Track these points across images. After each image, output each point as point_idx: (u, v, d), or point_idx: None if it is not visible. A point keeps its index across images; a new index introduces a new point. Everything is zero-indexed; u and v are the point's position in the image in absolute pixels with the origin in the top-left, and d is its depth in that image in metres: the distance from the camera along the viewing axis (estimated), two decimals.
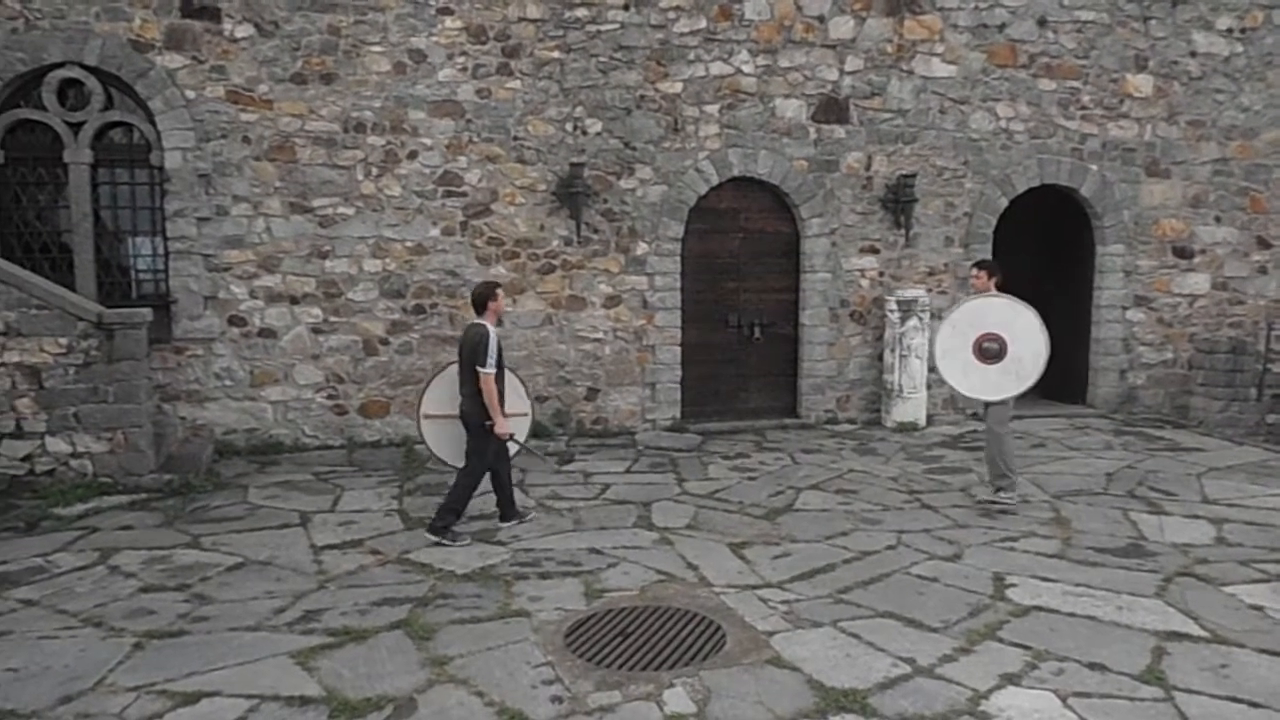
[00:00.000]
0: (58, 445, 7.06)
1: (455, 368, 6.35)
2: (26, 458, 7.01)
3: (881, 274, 10.08)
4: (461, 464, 6.26)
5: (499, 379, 6.10)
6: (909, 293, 9.82)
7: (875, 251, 10.06)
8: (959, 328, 6.79)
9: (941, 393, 10.30)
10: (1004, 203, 10.24)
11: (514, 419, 6.32)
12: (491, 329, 6.04)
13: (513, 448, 6.48)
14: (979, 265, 7.10)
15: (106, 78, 8.15)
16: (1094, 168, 10.34)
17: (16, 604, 4.93)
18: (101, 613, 4.79)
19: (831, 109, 9.76)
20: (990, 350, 6.69)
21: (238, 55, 8.35)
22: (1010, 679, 4.03)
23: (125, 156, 8.42)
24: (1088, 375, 10.83)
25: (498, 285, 6.36)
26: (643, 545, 5.95)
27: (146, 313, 7.34)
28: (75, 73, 8.04)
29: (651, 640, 4.44)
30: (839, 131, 9.79)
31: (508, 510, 6.43)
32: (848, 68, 9.73)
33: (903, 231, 10.02)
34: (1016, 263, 11.04)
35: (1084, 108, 10.26)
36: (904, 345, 9.75)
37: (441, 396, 6.50)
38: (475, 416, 6.07)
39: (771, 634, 4.51)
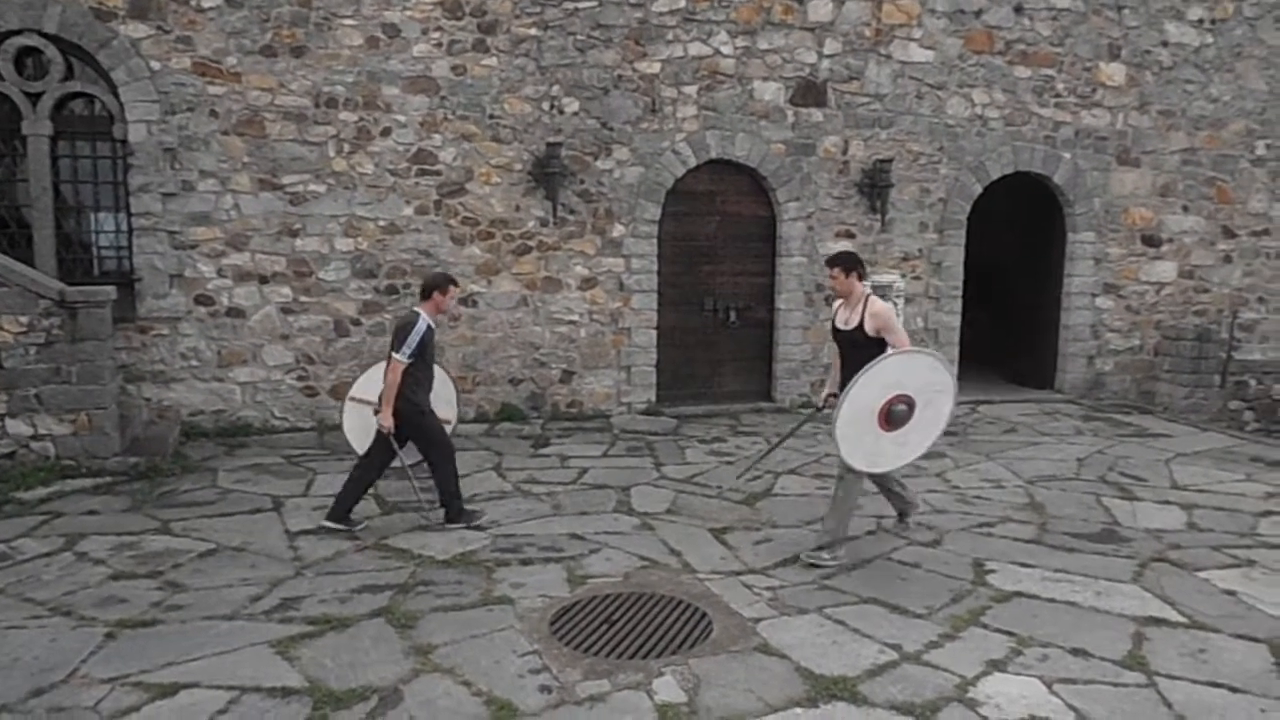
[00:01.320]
0: (18, 427, 6.84)
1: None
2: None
3: None
4: (362, 452, 6.04)
5: (418, 373, 5.78)
6: (884, 277, 9.85)
7: (851, 236, 10.06)
8: (862, 402, 5.08)
9: None
10: (978, 189, 10.29)
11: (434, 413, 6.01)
12: (425, 320, 5.76)
13: (407, 458, 6.02)
14: (833, 262, 5.63)
15: (67, 46, 7.87)
16: (1067, 155, 10.43)
17: None
18: (71, 601, 4.65)
19: (810, 92, 9.71)
20: (899, 415, 5.16)
21: (205, 25, 8.09)
22: (996, 665, 4.05)
23: (87, 129, 8.17)
24: (1057, 361, 10.96)
25: (453, 282, 6.03)
26: (624, 530, 5.91)
27: (110, 291, 7.13)
28: (34, 40, 7.75)
29: (638, 628, 4.41)
30: (817, 115, 9.76)
31: (338, 511, 5.83)
32: (826, 51, 9.68)
33: (878, 216, 10.03)
34: (989, 249, 11.18)
35: (1058, 95, 10.32)
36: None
37: (372, 382, 6.24)
38: (405, 407, 5.74)
39: (758, 621, 4.50)
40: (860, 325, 5.42)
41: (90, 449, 6.99)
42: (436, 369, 6.12)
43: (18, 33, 7.69)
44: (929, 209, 10.23)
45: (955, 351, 10.52)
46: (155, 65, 8.01)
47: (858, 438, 5.16)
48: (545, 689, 3.80)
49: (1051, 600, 4.81)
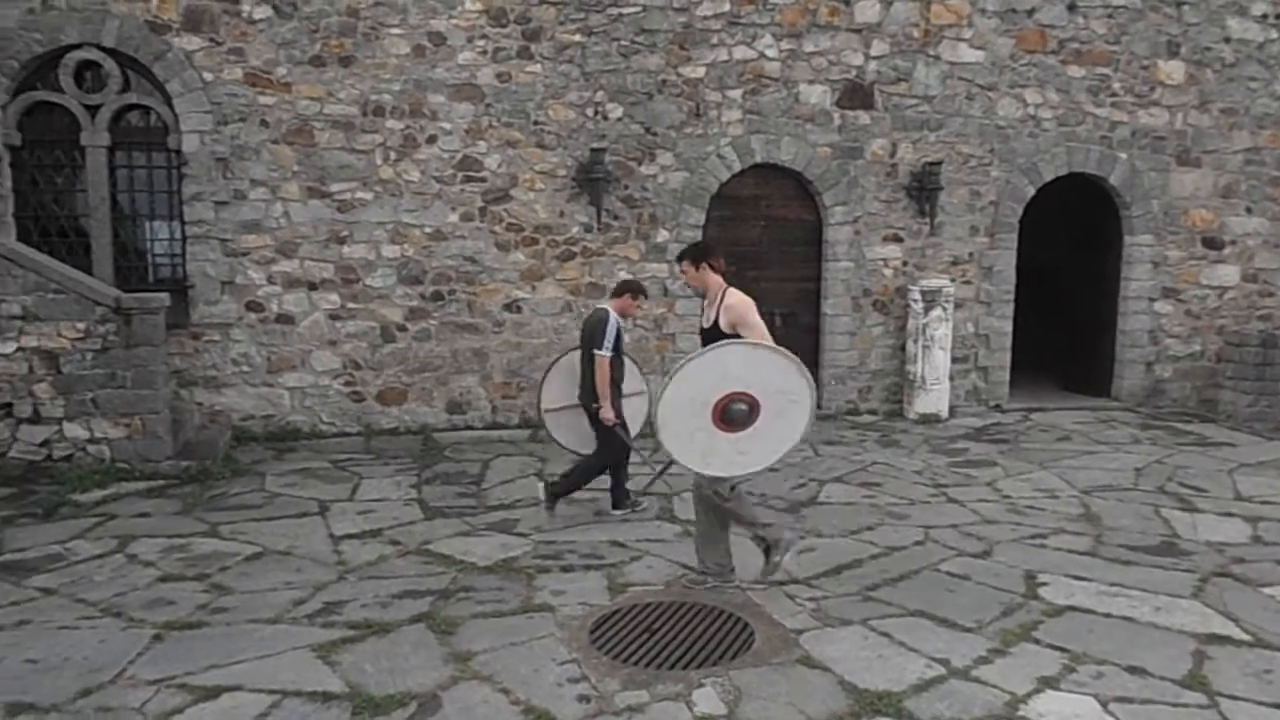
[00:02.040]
0: (75, 431, 7.01)
1: (573, 355, 6.49)
2: (44, 443, 6.97)
3: (905, 263, 9.93)
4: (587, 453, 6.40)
5: (616, 367, 6.16)
6: (933, 282, 9.66)
7: (899, 240, 9.90)
8: (690, 387, 4.58)
9: (964, 384, 10.18)
10: (1031, 191, 10.06)
11: (632, 398, 6.52)
12: (614, 315, 6.13)
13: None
14: (681, 255, 5.32)
15: (124, 59, 8.06)
16: (1123, 156, 10.14)
17: (35, 592, 4.88)
18: (120, 602, 4.73)
19: (856, 94, 9.58)
20: (737, 414, 4.61)
21: (256, 37, 8.25)
22: (1048, 682, 3.92)
23: (143, 139, 8.35)
24: (1113, 367, 10.66)
25: (644, 293, 6.47)
26: (665, 538, 5.86)
27: (164, 297, 7.28)
28: (93, 54, 7.97)
29: (678, 637, 4.35)
30: (864, 118, 9.62)
31: (619, 496, 6.41)
32: (873, 52, 9.55)
33: (927, 220, 9.85)
34: (1042, 253, 10.93)
35: (1114, 95, 10.04)
36: (927, 336, 9.61)
37: (560, 388, 6.55)
38: (595, 403, 6.12)
39: (800, 632, 4.41)
40: (716, 322, 4.90)
41: (144, 452, 7.13)
42: (625, 359, 6.49)
43: (77, 47, 7.90)
44: (979, 212, 10.03)
45: (1007, 358, 10.29)
46: (208, 76, 8.18)
47: (688, 433, 4.59)
48: (584, 698, 3.76)
49: (1107, 615, 4.64)
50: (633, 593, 4.94)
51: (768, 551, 5.02)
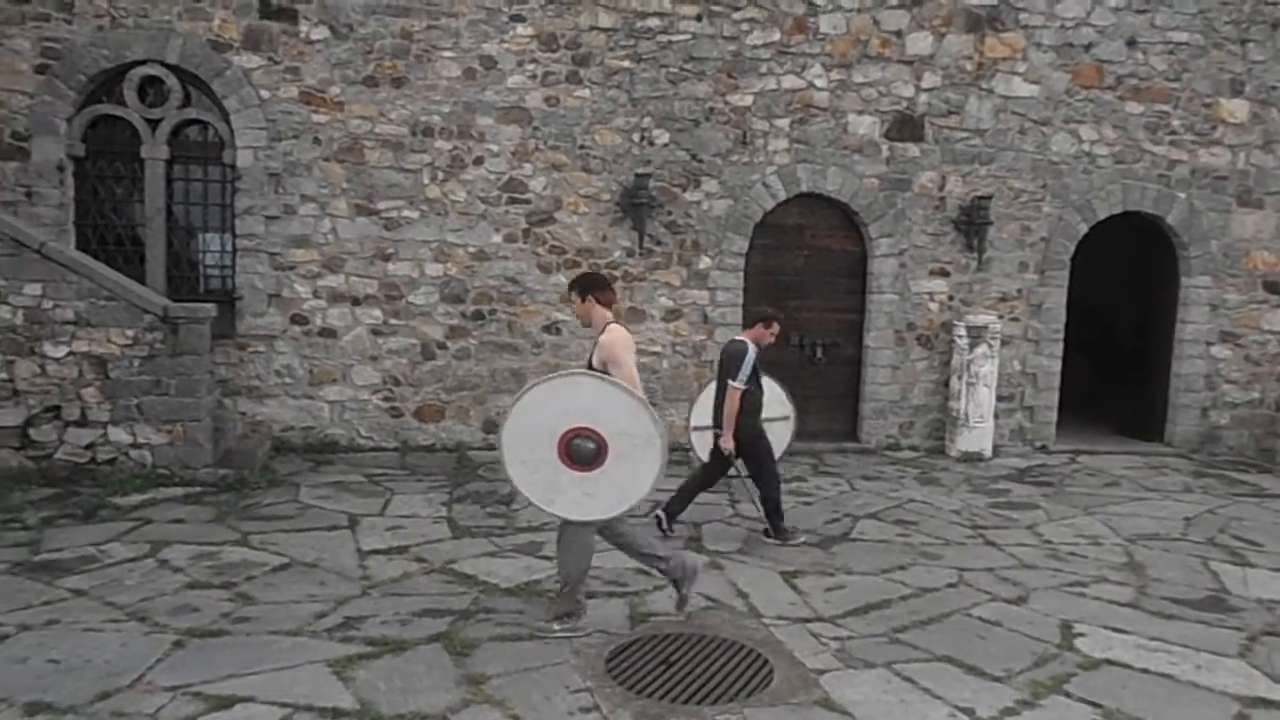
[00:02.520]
0: (119, 435, 7.17)
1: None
2: (89, 446, 7.13)
3: (951, 298, 9.76)
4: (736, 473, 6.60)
5: (752, 397, 6.31)
6: (979, 318, 9.48)
7: (946, 274, 9.74)
8: (535, 415, 4.45)
9: (1009, 424, 9.95)
10: (1084, 229, 9.84)
11: (775, 423, 6.71)
12: (752, 347, 6.31)
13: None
14: (570, 285, 5.12)
15: (185, 76, 8.31)
16: (1182, 195, 9.88)
17: (66, 593, 4.97)
18: (147, 607, 4.79)
19: (906, 126, 9.49)
20: (581, 452, 4.40)
21: (312, 57, 8.44)
22: None
23: (200, 154, 8.58)
24: (1166, 412, 10.32)
25: (777, 319, 6.57)
26: None
27: (210, 308, 7.43)
28: (156, 70, 8.21)
29: (695, 671, 4.27)
30: (913, 150, 9.52)
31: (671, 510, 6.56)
32: (924, 84, 9.46)
33: (975, 255, 9.69)
34: (1095, 292, 10.68)
35: (1173, 132, 9.81)
36: (972, 372, 9.41)
37: (708, 408, 6.70)
38: (742, 431, 6.28)
39: (822, 672, 4.30)
40: (590, 359, 4.69)
41: (184, 459, 7.26)
42: (766, 378, 6.60)
43: (142, 63, 8.16)
44: (1030, 248, 9.83)
45: (1054, 397, 10.04)
46: (265, 94, 8.38)
47: (532, 463, 4.41)
48: None
49: (1145, 671, 4.46)
50: (653, 623, 4.87)
51: (676, 585, 4.83)
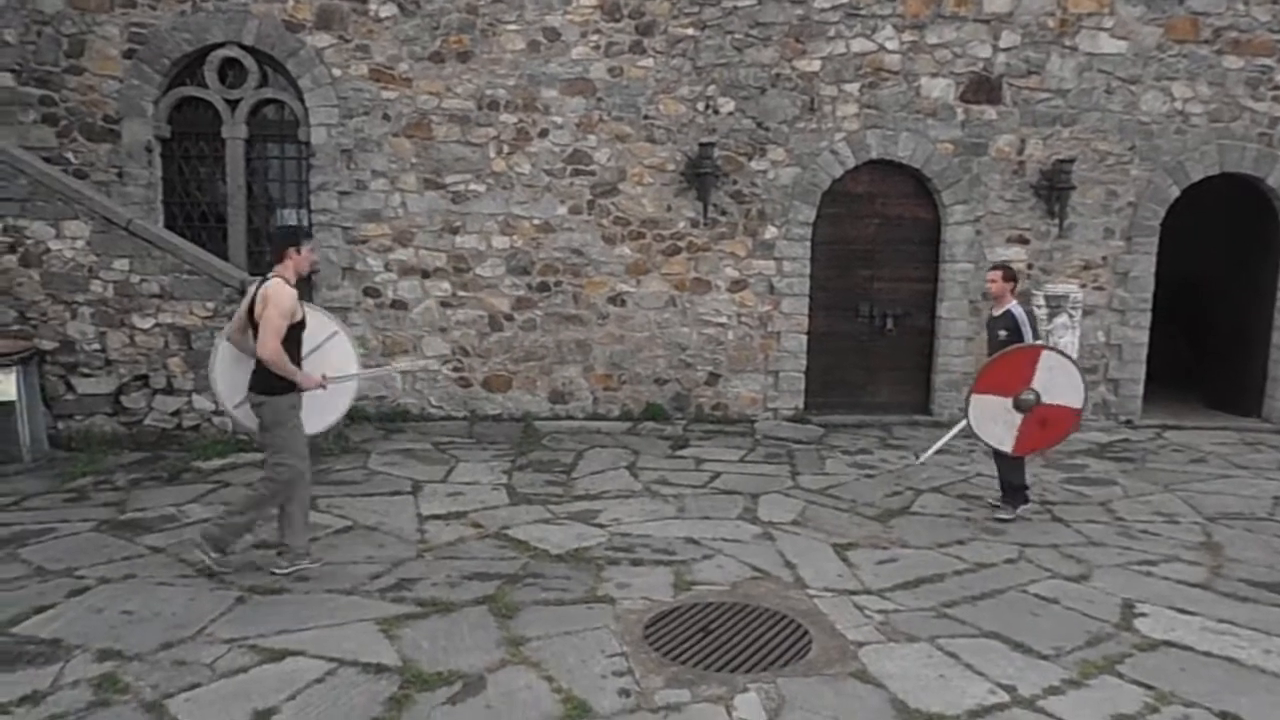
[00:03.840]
0: (203, 403, 7.53)
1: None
2: (175, 413, 7.53)
3: (1030, 266, 9.40)
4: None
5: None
6: (1060, 287, 9.10)
7: (1024, 242, 9.38)
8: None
9: (1093, 397, 9.54)
10: (1175, 192, 9.33)
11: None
12: (1019, 309, 6.23)
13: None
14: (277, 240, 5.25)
15: (262, 57, 8.58)
16: None
17: (145, 549, 5.28)
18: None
19: (982, 88, 9.14)
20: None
21: (381, 34, 8.61)
22: None
23: (276, 132, 8.87)
24: (1264, 386, 9.76)
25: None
26: (742, 539, 5.78)
27: None
28: (234, 52, 8.51)
29: (733, 639, 4.28)
30: (990, 112, 9.16)
31: (1011, 496, 6.44)
32: (1003, 44, 9.07)
33: (1056, 221, 9.30)
34: (1188, 260, 10.13)
35: (1276, 88, 9.19)
36: (1051, 344, 9.05)
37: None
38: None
39: (861, 645, 4.26)
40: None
41: None
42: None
43: (221, 45, 8.47)
44: (1116, 214, 9.38)
45: (1141, 370, 9.60)
46: (336, 72, 8.59)
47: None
48: (624, 693, 3.76)
49: (1207, 654, 4.27)
50: (697, 591, 4.89)
51: (280, 552, 5.01)
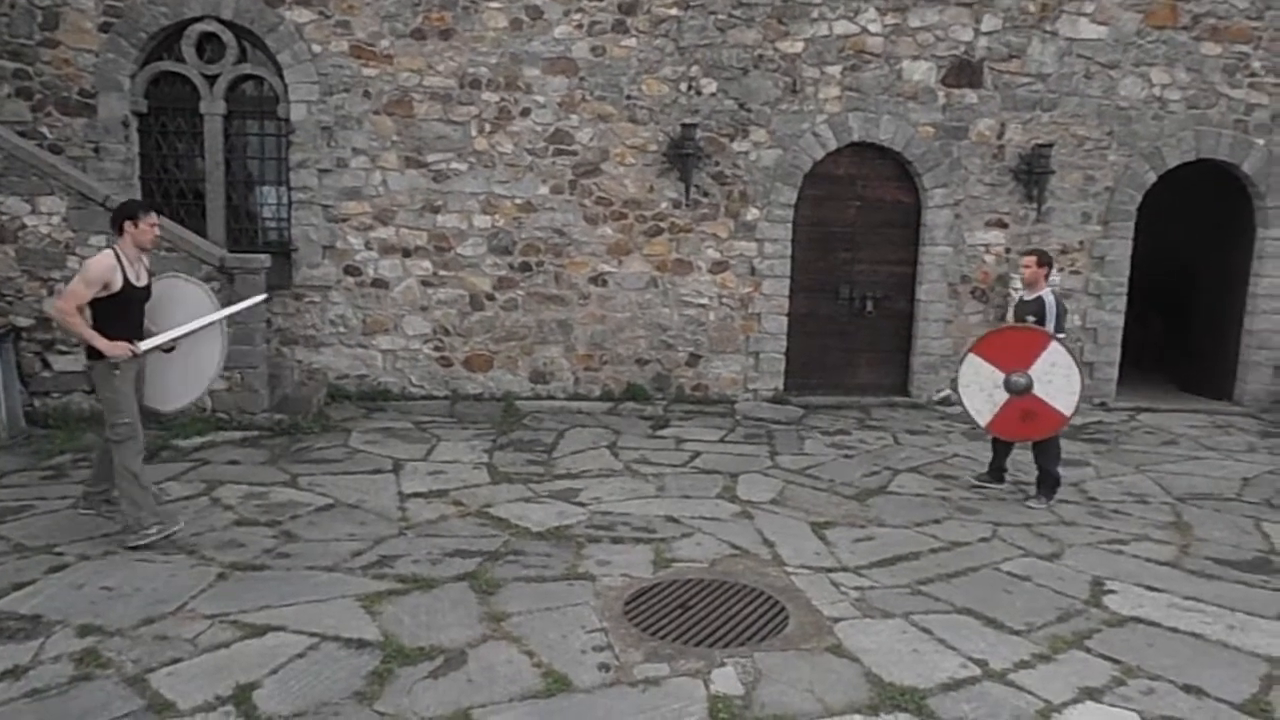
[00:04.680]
0: None
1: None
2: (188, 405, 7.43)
3: (1008, 250, 9.49)
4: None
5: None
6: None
7: (1003, 226, 9.47)
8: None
9: None
10: (1152, 178, 9.44)
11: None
12: (1051, 297, 6.21)
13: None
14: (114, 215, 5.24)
15: (240, 31, 8.48)
16: (1260, 142, 9.39)
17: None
18: (196, 541, 5.06)
19: (964, 72, 9.18)
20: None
21: (361, 10, 8.53)
22: (1090, 693, 3.73)
23: (255, 108, 8.79)
24: (1236, 369, 9.92)
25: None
26: (721, 517, 5.84)
27: (264, 259, 7.67)
28: (212, 26, 8.41)
29: (711, 615, 4.34)
30: (970, 96, 9.22)
31: (1040, 484, 6.39)
32: (984, 28, 9.12)
33: (1035, 205, 9.39)
34: (1164, 245, 10.26)
35: (1253, 75, 9.29)
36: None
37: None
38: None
39: (837, 620, 4.33)
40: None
41: (242, 405, 7.57)
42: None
43: (199, 19, 8.36)
44: (1093, 198, 9.48)
45: (1116, 353, 9.73)
46: (316, 49, 8.52)
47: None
48: (604, 667, 3.81)
49: (1174, 630, 4.37)
50: (676, 568, 4.95)
51: (128, 530, 5.01)
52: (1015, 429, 6.23)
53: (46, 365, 7.37)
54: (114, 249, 5.00)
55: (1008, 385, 6.13)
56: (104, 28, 8.26)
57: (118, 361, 4.90)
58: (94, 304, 4.88)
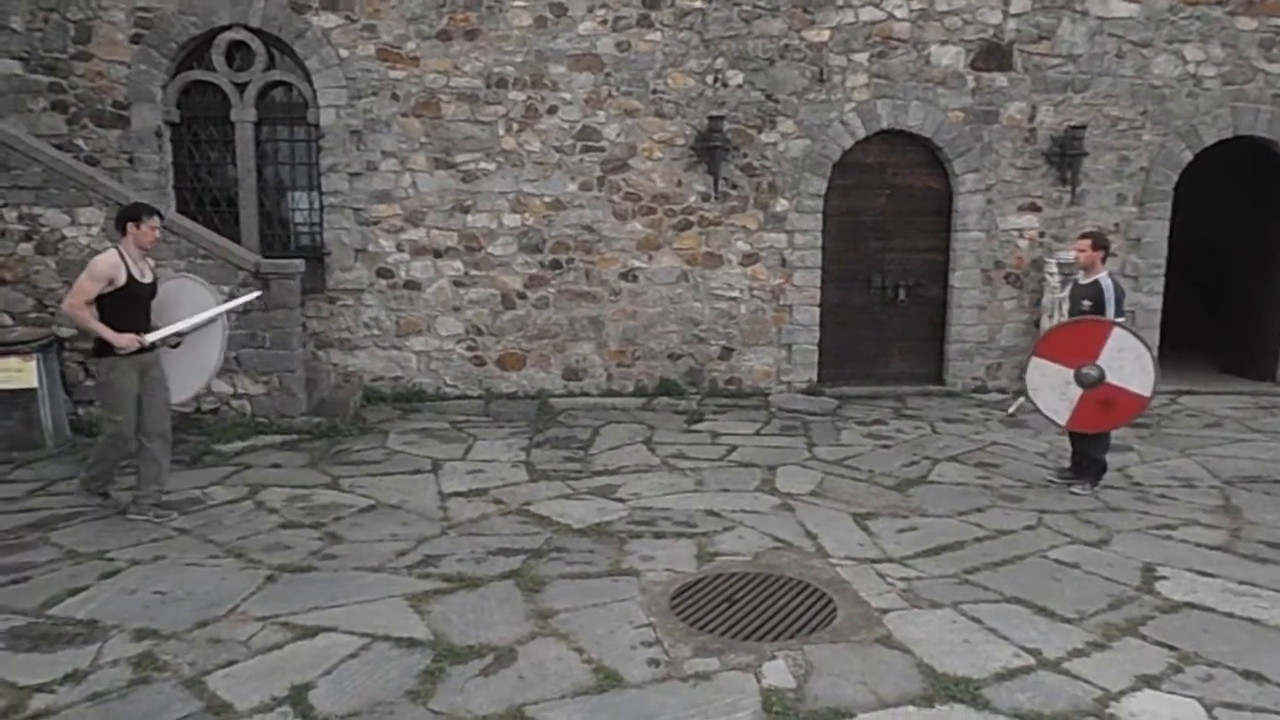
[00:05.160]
0: (221, 386, 7.58)
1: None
2: (194, 397, 7.56)
3: (1042, 234, 9.38)
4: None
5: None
6: (1073, 254, 9.04)
7: (1036, 210, 9.35)
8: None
9: None
10: (1188, 156, 9.28)
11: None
12: (1109, 280, 6.07)
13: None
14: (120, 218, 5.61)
15: (269, 39, 8.55)
16: None
17: (173, 531, 5.34)
18: (243, 545, 5.12)
19: (993, 55, 9.07)
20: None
21: (387, 13, 8.57)
22: (1148, 681, 3.68)
23: (285, 114, 8.85)
24: (1278, 350, 9.74)
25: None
26: (762, 510, 5.82)
27: (299, 264, 7.74)
28: (241, 34, 8.48)
29: (758, 609, 4.33)
30: (1000, 80, 9.10)
31: (1081, 471, 6.32)
32: (1013, 9, 9.00)
33: (1068, 188, 9.26)
34: (1203, 225, 10.09)
35: None
36: (1064, 310, 9.02)
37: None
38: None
39: (886, 612, 4.31)
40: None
41: (280, 408, 7.64)
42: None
43: (227, 28, 8.44)
44: (1128, 179, 9.34)
45: (1155, 336, 9.56)
46: (344, 53, 8.57)
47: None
48: (654, 662, 3.81)
49: (1229, 615, 4.30)
50: (720, 562, 4.94)
51: (104, 496, 5.75)
52: (1098, 420, 6.06)
53: (89, 374, 7.47)
54: (117, 248, 5.38)
55: (1079, 380, 5.97)
56: (135, 39, 8.36)
57: (123, 353, 5.28)
58: (102, 300, 5.24)
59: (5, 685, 3.59)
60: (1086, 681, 3.67)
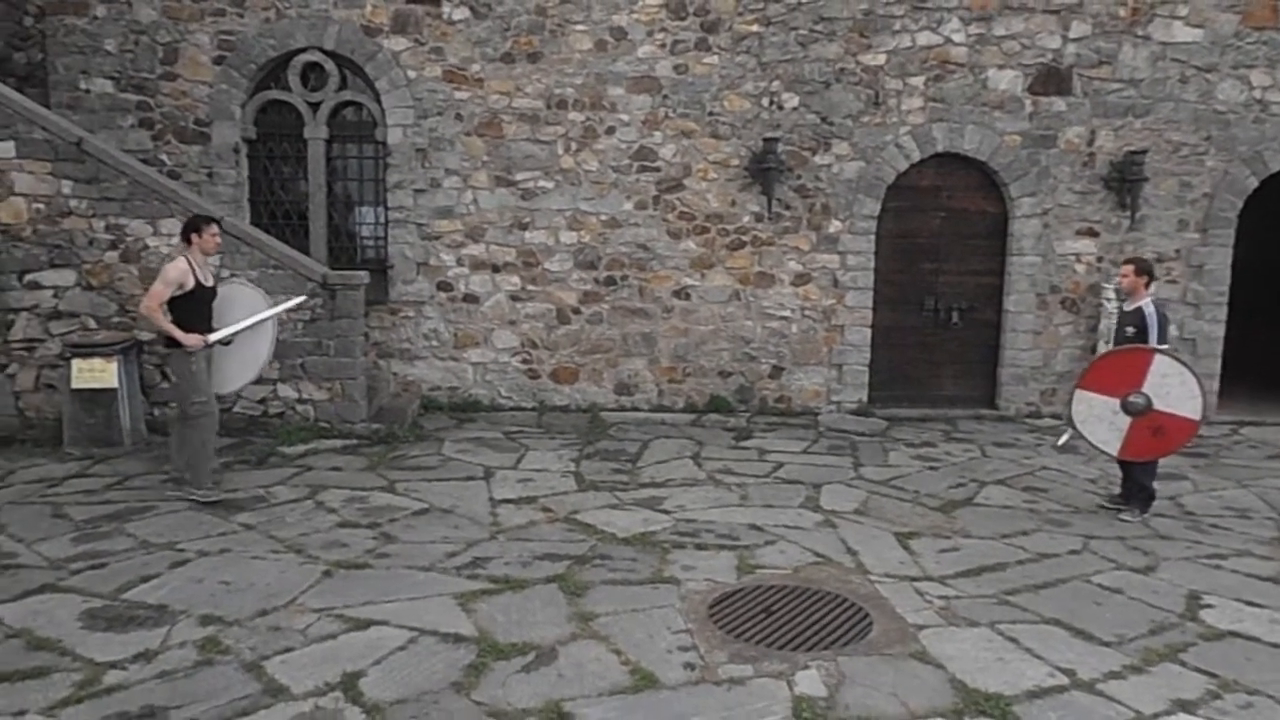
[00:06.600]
0: (287, 391, 7.91)
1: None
2: (262, 401, 7.91)
3: (1100, 259, 9.29)
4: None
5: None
6: (1117, 280, 8.94)
7: (1094, 234, 9.27)
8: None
9: None
10: (1253, 183, 9.12)
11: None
12: (1152, 308, 6.06)
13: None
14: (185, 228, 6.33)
15: (341, 60, 8.94)
16: None
17: (239, 526, 5.62)
18: (303, 541, 5.37)
19: (1051, 80, 9.05)
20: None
21: (454, 37, 8.90)
22: (1184, 705, 3.68)
23: (355, 133, 9.23)
24: None
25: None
26: (805, 526, 5.89)
27: (364, 275, 8.05)
28: (316, 56, 8.89)
29: (794, 620, 4.42)
30: (1059, 104, 9.07)
31: (1133, 496, 6.28)
32: (1072, 34, 8.98)
33: (1128, 213, 9.17)
34: (1267, 253, 9.87)
35: None
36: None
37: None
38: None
39: (922, 628, 4.36)
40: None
41: (342, 414, 7.94)
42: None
43: (303, 50, 8.85)
44: (1190, 205, 9.21)
45: (1216, 365, 9.40)
46: (411, 74, 8.91)
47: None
48: (689, 666, 3.93)
49: (1275, 645, 4.26)
50: (759, 574, 5.03)
51: (179, 482, 6.19)
52: (1149, 448, 6.03)
53: (165, 377, 7.86)
54: (185, 256, 6.03)
55: (1126, 409, 5.96)
56: (218, 60, 8.82)
57: (193, 350, 5.92)
58: (173, 303, 5.91)
59: (83, 661, 3.86)
60: (1120, 703, 3.68)
